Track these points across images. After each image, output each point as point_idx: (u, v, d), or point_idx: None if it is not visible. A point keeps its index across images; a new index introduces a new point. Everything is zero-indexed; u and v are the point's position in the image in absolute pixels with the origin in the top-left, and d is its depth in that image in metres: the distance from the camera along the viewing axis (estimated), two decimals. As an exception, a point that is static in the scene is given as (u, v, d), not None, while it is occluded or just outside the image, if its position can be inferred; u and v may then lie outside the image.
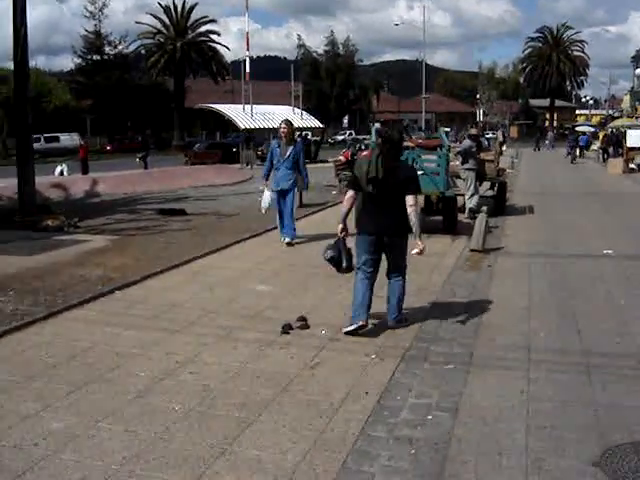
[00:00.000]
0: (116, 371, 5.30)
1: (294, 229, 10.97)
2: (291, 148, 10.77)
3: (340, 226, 6.40)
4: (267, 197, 11.25)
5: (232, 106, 42.76)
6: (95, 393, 4.85)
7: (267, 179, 11.21)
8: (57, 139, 50.58)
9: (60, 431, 4.22)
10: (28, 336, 6.18)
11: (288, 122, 11.04)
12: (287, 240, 10.82)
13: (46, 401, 4.69)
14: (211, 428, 4.29)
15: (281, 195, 10.89)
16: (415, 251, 6.15)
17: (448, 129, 59.68)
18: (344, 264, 6.50)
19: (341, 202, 6.86)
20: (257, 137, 38.65)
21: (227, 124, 44.64)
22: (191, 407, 4.61)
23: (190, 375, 5.22)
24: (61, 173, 27.39)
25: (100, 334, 6.22)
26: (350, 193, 6.39)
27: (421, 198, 14.05)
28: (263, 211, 11.48)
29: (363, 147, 20.70)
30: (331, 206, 16.11)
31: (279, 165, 10.81)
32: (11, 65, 15.15)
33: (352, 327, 6.17)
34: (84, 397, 4.78)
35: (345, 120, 72.86)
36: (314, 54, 77.50)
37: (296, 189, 11.25)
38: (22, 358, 5.61)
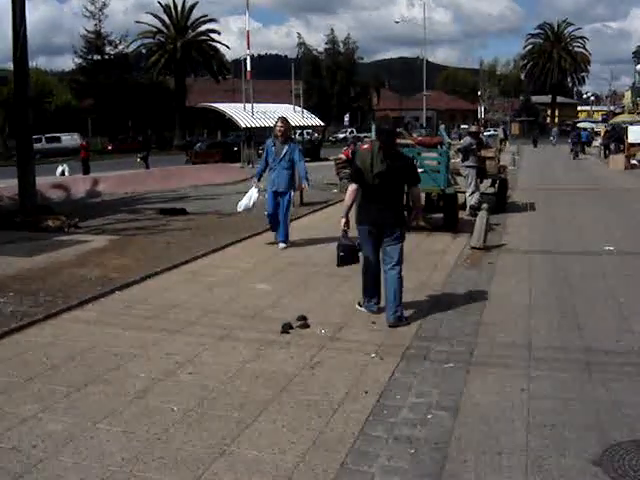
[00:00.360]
0: (115, 372, 5.29)
1: (287, 235, 10.55)
2: (286, 147, 10.32)
3: (343, 220, 6.57)
4: (253, 197, 10.85)
5: (233, 105, 42.78)
6: (94, 394, 4.84)
7: (259, 179, 10.90)
8: (58, 139, 50.53)
9: (59, 433, 4.21)
10: (27, 337, 6.17)
11: (284, 120, 10.66)
12: (281, 246, 10.43)
13: (45, 402, 4.68)
14: (210, 429, 4.27)
15: (277, 197, 10.41)
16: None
17: (466, 126, 59.24)
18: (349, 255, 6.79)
19: (342, 200, 6.89)
20: (258, 136, 38.64)
21: (228, 123, 44.62)
22: (190, 408, 4.59)
23: (189, 375, 5.21)
24: (62, 173, 27.38)
25: (99, 335, 6.21)
26: (353, 187, 6.53)
27: (422, 195, 14.06)
28: (240, 209, 11.07)
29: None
30: (332, 204, 16.06)
31: (274, 165, 10.34)
32: (11, 66, 15.11)
33: (365, 310, 6.80)
34: (83, 398, 4.77)
35: (346, 118, 72.77)
36: (314, 52, 77.68)
37: (292, 192, 10.74)
38: (21, 359, 5.60)
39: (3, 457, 3.90)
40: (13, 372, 5.28)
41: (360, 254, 6.78)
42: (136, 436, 4.17)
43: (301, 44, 78.04)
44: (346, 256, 6.72)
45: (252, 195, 10.90)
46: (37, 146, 31.32)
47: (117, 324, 6.52)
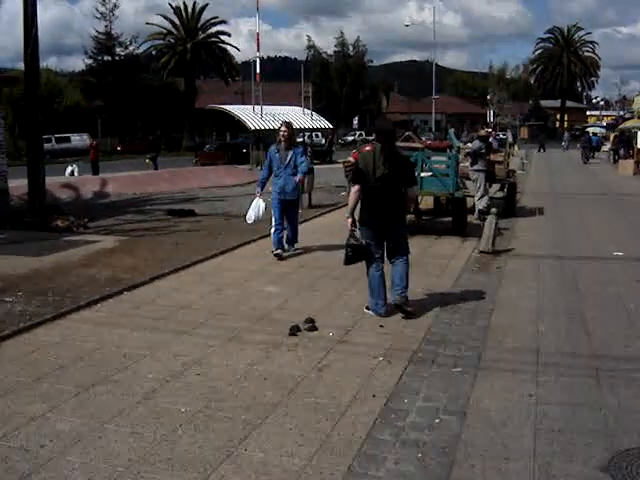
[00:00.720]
0: (123, 372, 5.30)
1: (296, 238, 10.39)
2: (291, 153, 9.87)
3: (349, 220, 6.71)
4: (261, 207, 10.27)
5: (242, 107, 42.93)
6: (102, 394, 4.86)
7: (262, 188, 10.23)
8: (68, 139, 50.77)
9: (67, 432, 4.22)
10: (36, 337, 6.20)
11: (289, 124, 10.13)
12: (290, 250, 10.24)
13: (53, 402, 4.69)
14: (217, 430, 4.28)
15: (285, 205, 10.07)
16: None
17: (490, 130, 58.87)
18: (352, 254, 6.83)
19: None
20: (267, 137, 38.70)
21: (237, 125, 44.74)
22: (197, 409, 4.60)
23: (197, 377, 5.22)
24: (72, 173, 27.52)
25: (108, 335, 6.23)
26: (356, 187, 6.68)
27: (431, 199, 14.09)
28: (249, 221, 10.45)
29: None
30: (340, 207, 16.05)
31: (280, 172, 9.89)
32: (22, 66, 15.18)
33: (373, 314, 6.80)
34: (91, 398, 4.78)
35: (355, 121, 72.79)
36: (324, 55, 77.79)
37: (301, 195, 10.44)
38: (30, 359, 5.62)
39: (11, 456, 3.92)
40: (21, 372, 5.30)
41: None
42: (144, 437, 4.18)
43: (311, 47, 78.19)
44: (354, 255, 6.76)
45: (259, 205, 10.33)
46: (47, 146, 31.48)
47: (125, 325, 6.54)
